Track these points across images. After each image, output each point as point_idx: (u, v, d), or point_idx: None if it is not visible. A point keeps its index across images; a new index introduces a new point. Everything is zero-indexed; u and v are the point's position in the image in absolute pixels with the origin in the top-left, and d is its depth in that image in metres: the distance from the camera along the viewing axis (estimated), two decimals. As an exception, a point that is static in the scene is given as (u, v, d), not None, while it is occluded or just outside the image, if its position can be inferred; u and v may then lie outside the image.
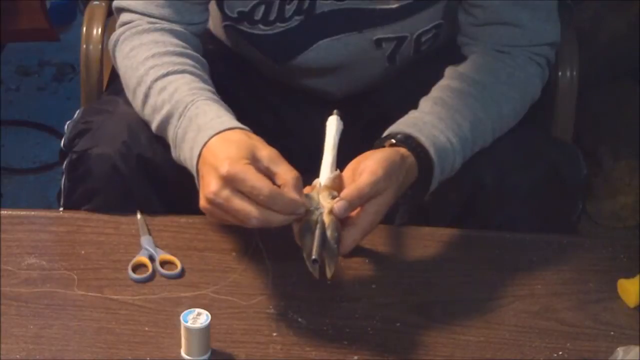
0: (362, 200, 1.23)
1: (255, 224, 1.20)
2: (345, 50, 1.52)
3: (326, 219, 1.22)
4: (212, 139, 1.26)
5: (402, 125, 1.37)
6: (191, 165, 1.29)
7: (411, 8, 1.48)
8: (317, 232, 1.20)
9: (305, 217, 1.21)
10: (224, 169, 1.19)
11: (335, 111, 1.32)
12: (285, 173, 1.21)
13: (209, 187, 1.21)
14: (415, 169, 1.33)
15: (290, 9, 1.47)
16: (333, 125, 1.31)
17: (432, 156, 1.34)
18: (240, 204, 1.19)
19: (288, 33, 1.50)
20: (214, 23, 1.61)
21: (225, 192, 1.19)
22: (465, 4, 1.49)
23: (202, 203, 1.23)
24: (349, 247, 1.24)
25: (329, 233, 1.21)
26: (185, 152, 1.30)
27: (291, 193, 1.20)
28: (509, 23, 1.47)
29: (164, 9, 1.45)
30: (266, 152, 1.23)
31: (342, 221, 1.23)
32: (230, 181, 1.19)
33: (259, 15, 1.49)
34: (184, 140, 1.31)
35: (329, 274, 1.21)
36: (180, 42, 1.43)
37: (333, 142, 1.29)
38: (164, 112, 1.34)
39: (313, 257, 1.19)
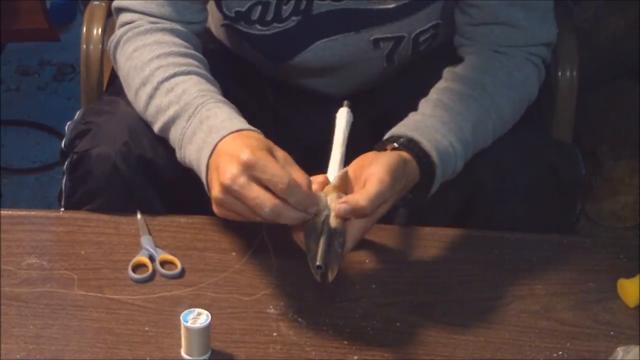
0: (368, 210, 1.22)
1: (267, 215, 1.19)
2: (343, 50, 1.52)
3: (333, 222, 1.21)
4: (226, 138, 1.26)
5: (404, 127, 1.36)
6: (198, 165, 1.29)
7: (408, 8, 1.48)
8: (323, 238, 1.20)
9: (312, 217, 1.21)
10: (245, 155, 1.19)
11: (345, 102, 1.32)
12: (299, 175, 1.21)
13: (226, 173, 1.20)
14: (417, 173, 1.32)
15: (287, 9, 1.47)
16: (343, 118, 1.31)
17: (435, 161, 1.33)
18: (256, 192, 1.18)
19: (285, 33, 1.50)
20: (214, 23, 1.61)
21: (243, 179, 1.19)
22: (461, 3, 1.49)
23: (215, 193, 1.22)
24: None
25: (334, 238, 1.20)
26: (191, 152, 1.30)
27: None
28: (505, 23, 1.47)
29: (164, 7, 1.45)
30: (282, 153, 1.23)
31: None
32: (250, 167, 1.19)
33: (255, 15, 1.49)
34: (191, 142, 1.30)
35: (330, 277, 1.21)
36: (183, 42, 1.43)
37: (343, 137, 1.29)
38: (170, 112, 1.34)
39: (317, 263, 1.19)
